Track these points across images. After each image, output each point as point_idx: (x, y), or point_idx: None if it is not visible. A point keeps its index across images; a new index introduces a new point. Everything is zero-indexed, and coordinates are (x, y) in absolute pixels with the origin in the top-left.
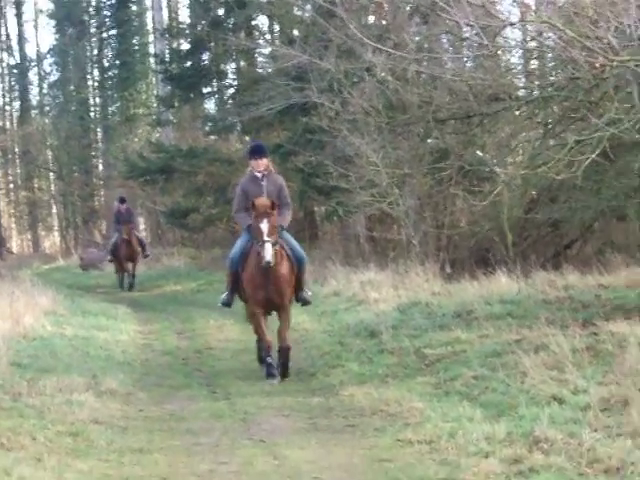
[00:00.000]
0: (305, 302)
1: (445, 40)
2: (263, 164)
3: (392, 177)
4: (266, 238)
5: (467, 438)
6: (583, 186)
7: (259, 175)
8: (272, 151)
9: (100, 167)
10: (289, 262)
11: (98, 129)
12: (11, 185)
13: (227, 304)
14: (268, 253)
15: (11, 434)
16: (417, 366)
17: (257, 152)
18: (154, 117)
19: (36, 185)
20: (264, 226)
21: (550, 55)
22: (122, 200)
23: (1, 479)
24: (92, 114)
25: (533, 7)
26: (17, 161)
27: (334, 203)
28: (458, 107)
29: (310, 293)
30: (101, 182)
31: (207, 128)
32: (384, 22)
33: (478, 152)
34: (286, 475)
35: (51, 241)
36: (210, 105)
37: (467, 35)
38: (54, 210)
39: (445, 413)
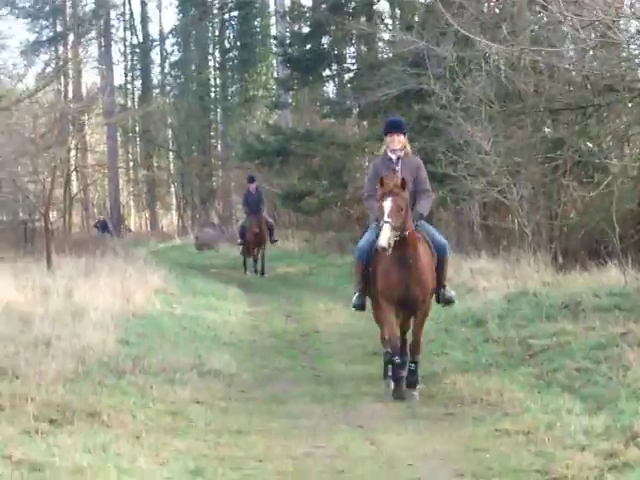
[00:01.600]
0: (448, 302)
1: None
2: (400, 141)
3: (503, 166)
4: (386, 218)
5: (565, 430)
6: None
7: (394, 157)
8: None
9: (219, 148)
10: (429, 252)
11: (218, 110)
12: (131, 163)
13: (360, 307)
14: (384, 236)
15: (112, 411)
16: (521, 356)
17: (394, 127)
18: (273, 99)
19: (155, 164)
20: (387, 204)
21: None
22: (251, 179)
23: (97, 455)
24: (212, 95)
25: None
26: (137, 140)
27: (446, 190)
28: (572, 97)
29: (453, 292)
30: (219, 163)
31: (324, 111)
32: (497, 10)
33: (588, 144)
34: (381, 461)
35: (168, 220)
36: (328, 89)
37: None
38: (172, 189)
39: (545, 404)
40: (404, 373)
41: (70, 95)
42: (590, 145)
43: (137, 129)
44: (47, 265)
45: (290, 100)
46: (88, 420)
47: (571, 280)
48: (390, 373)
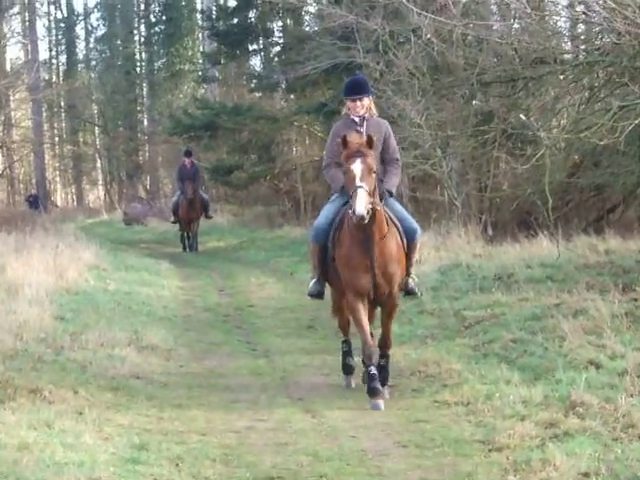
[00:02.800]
0: (410, 292)
1: (492, 2)
2: (364, 107)
3: (435, 139)
4: (359, 182)
5: (504, 401)
6: (626, 151)
7: (357, 119)
8: (316, 110)
9: (145, 122)
10: (397, 236)
11: (144, 84)
12: (56, 139)
13: (318, 295)
14: (361, 202)
15: (53, 387)
16: (456, 328)
17: (356, 89)
18: (200, 73)
19: (81, 139)
20: (356, 166)
21: (596, 19)
22: (188, 153)
23: (42, 431)
24: (138, 69)
25: None
26: (63, 115)
27: None
28: (503, 70)
29: (417, 280)
30: (146, 137)
31: (252, 85)
32: None
33: (521, 116)
34: (323, 433)
35: (95, 195)
36: (256, 62)
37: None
38: (98, 164)
39: (483, 375)
40: (378, 384)
41: None
42: (523, 117)
43: (62, 104)
44: None
45: (217, 74)
46: (30, 397)
47: (502, 252)
48: (367, 375)
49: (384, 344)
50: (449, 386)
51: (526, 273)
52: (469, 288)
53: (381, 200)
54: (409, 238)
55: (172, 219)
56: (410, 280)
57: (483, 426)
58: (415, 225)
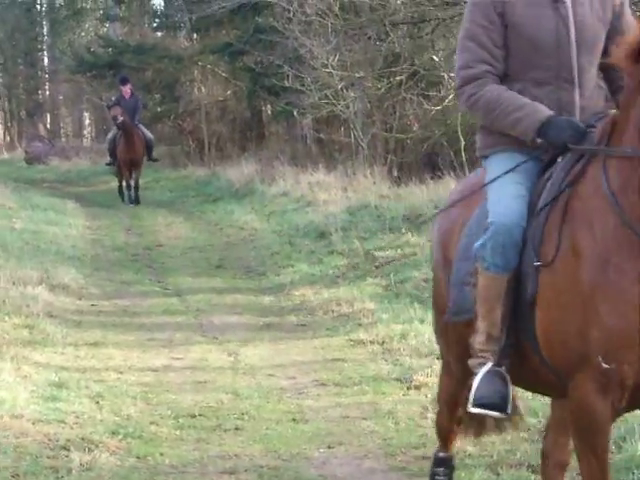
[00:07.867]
0: None
1: None
2: None
3: (343, 80)
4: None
5: (419, 339)
6: None
7: None
8: (221, 49)
9: (46, 61)
10: None
11: (44, 22)
12: None
13: (500, 404)
14: None
15: None
16: (367, 268)
17: None
18: (102, 12)
19: None
20: None
21: None
22: (124, 80)
23: None
24: (39, 7)
25: None
26: None
27: (284, 103)
28: (413, 11)
29: None
30: (46, 76)
31: (155, 24)
32: None
33: (434, 57)
34: (241, 371)
35: None
36: (159, 1)
37: None
38: None
39: (396, 315)
40: None
41: None
42: (436, 59)
43: None
44: None
45: (120, 13)
46: None
47: (409, 193)
48: None
49: None
50: (363, 325)
51: (434, 214)
52: (378, 228)
53: None
54: None
55: (108, 160)
56: None
57: (400, 364)
58: None
